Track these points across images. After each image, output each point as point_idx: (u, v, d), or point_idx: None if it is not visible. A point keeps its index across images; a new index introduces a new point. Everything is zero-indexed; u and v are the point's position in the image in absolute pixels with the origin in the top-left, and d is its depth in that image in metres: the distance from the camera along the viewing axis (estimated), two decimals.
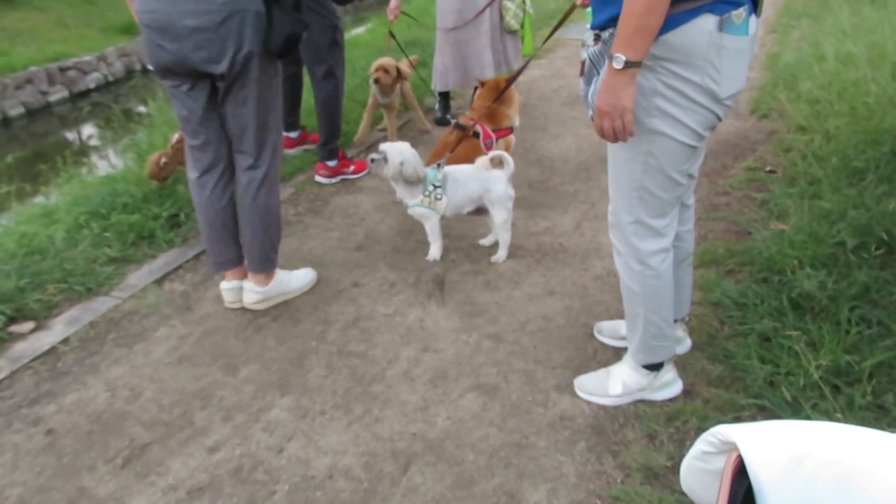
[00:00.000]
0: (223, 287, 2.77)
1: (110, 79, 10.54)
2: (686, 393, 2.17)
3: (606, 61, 1.60)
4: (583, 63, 1.78)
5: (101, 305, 2.85)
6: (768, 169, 3.74)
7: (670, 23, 1.55)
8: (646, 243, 1.89)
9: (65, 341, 2.63)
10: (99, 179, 4.07)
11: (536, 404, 2.19)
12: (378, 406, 2.21)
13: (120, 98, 9.75)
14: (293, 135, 4.29)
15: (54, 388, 2.40)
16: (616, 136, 1.67)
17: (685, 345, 2.37)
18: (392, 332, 2.60)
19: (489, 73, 4.41)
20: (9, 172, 5.25)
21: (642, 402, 2.15)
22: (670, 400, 2.15)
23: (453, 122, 3.71)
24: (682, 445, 1.96)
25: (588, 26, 1.79)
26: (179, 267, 3.15)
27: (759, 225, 3.10)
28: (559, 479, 1.90)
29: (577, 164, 4.08)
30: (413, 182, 2.88)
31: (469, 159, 3.55)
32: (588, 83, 1.75)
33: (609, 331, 2.50)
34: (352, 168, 4.05)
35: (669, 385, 2.15)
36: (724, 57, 1.60)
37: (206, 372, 2.42)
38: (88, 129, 9.16)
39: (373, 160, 2.86)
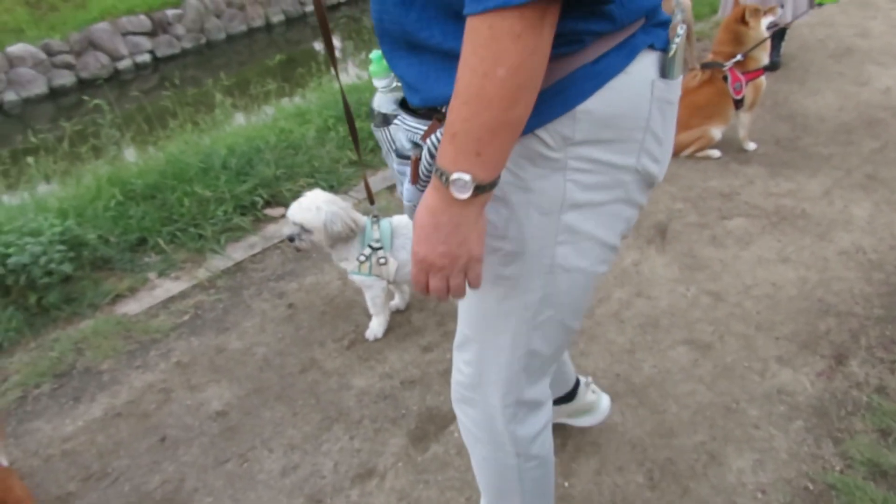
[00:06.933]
0: None
1: None
2: None
3: (434, 179, 0.83)
4: (415, 161, 0.91)
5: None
6: None
7: (592, 79, 0.85)
8: (526, 427, 1.21)
9: None
10: (345, 87, 4.40)
11: (752, 371, 2.07)
12: (584, 340, 2.22)
13: (366, 12, 10.32)
14: None
15: (296, 269, 2.70)
16: (447, 297, 0.92)
17: (602, 409, 1.81)
18: None
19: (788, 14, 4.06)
20: (271, 73, 5.84)
21: (878, 393, 1.95)
22: None
23: (699, 63, 3.46)
24: None
25: (388, 91, 1.03)
26: None
27: None
28: (768, 452, 1.80)
29: (836, 124, 3.64)
30: (350, 236, 2.15)
31: (714, 105, 3.31)
32: (424, 188, 0.91)
33: None
34: None
35: None
36: (667, 117, 0.94)
37: None
38: (336, 41, 9.86)
39: (291, 239, 2.15)
